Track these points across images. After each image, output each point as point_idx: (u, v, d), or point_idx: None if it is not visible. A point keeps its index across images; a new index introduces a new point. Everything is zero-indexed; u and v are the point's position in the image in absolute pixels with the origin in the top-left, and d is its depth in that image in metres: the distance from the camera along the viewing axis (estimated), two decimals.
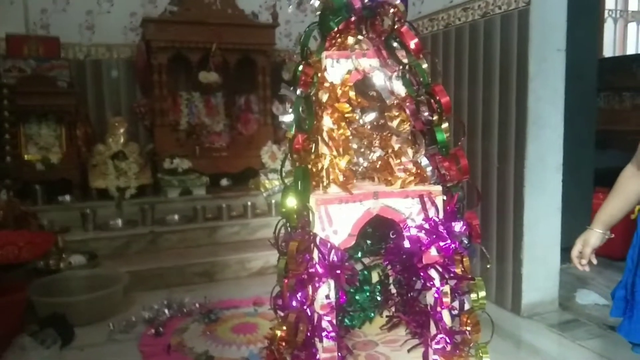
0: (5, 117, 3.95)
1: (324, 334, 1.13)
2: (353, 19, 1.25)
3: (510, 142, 2.92)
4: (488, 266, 2.99)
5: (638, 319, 1.44)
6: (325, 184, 1.19)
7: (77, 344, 2.71)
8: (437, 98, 1.21)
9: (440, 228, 1.18)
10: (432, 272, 1.19)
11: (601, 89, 4.49)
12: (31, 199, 3.96)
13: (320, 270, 1.12)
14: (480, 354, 1.23)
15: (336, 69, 1.21)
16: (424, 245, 1.18)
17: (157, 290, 3.40)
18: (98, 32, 4.72)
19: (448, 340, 1.19)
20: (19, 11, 4.46)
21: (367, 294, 1.45)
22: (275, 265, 1.33)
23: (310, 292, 1.14)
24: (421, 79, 1.23)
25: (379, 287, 1.47)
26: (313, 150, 1.25)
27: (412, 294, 1.38)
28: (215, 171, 4.58)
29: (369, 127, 1.32)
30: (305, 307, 1.15)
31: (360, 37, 1.26)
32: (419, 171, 1.24)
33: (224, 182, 4.68)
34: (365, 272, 1.47)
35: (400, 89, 1.23)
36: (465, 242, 1.24)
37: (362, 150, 1.34)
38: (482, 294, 1.23)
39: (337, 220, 1.15)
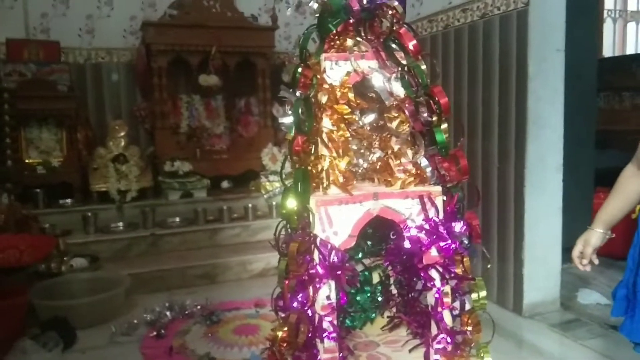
0: (5, 121, 3.97)
1: (325, 334, 1.13)
2: (352, 20, 1.25)
3: (511, 142, 2.92)
4: (489, 266, 2.99)
5: None
6: (325, 185, 1.19)
7: (79, 346, 2.71)
8: (436, 99, 1.21)
9: (441, 228, 1.19)
10: (433, 273, 1.20)
11: (601, 89, 4.49)
12: (32, 202, 3.97)
13: (320, 271, 1.12)
14: (482, 354, 1.23)
15: (335, 70, 1.22)
16: (424, 245, 1.18)
17: (159, 293, 3.40)
18: (98, 36, 4.74)
19: (449, 341, 1.19)
20: (19, 16, 4.47)
21: (368, 294, 1.46)
22: (276, 267, 1.34)
23: (311, 293, 1.15)
24: (420, 80, 1.23)
25: (379, 287, 1.48)
26: (313, 151, 1.25)
27: (412, 294, 1.38)
28: (215, 173, 4.59)
29: (368, 128, 1.32)
30: (306, 308, 1.15)
31: (359, 39, 1.27)
32: (418, 172, 1.24)
33: (225, 184, 4.69)
34: (366, 273, 1.47)
35: (399, 90, 1.23)
36: (466, 242, 1.24)
37: (362, 151, 1.34)
38: (483, 293, 1.23)
39: (337, 221, 1.15)
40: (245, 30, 4.61)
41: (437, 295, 1.19)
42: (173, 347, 2.68)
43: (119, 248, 3.84)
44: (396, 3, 1.22)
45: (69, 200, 4.10)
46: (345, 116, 1.19)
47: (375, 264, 1.48)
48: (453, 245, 1.18)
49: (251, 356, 2.56)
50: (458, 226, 1.21)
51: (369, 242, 1.46)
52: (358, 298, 1.45)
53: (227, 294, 3.45)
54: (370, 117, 1.30)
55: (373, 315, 1.48)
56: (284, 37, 5.22)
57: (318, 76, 1.22)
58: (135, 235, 3.94)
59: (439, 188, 1.23)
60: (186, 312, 3.09)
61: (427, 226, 1.19)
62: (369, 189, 1.23)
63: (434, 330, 1.22)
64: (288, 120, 1.31)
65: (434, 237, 1.18)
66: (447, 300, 1.20)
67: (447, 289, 1.20)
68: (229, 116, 4.85)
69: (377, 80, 1.23)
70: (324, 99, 1.20)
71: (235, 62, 4.63)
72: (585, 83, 3.71)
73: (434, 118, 1.23)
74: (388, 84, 1.22)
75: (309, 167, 1.21)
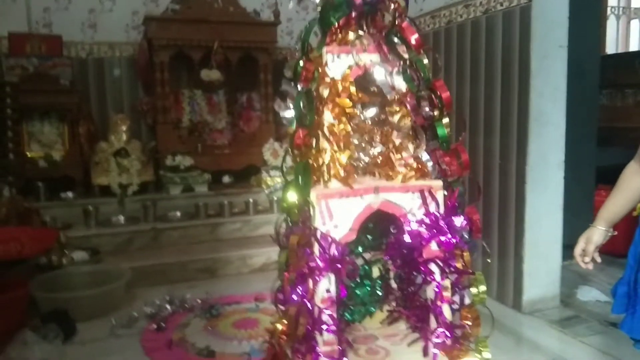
0: (8, 115, 3.96)
1: (324, 327, 1.13)
2: (354, 14, 1.25)
3: (512, 139, 2.92)
4: (489, 260, 2.99)
5: None
6: (326, 178, 1.19)
7: (79, 338, 2.72)
8: (438, 93, 1.21)
9: (441, 223, 1.19)
10: (433, 267, 1.20)
11: (603, 86, 4.47)
12: (34, 195, 3.97)
13: (320, 264, 1.13)
14: (480, 348, 1.24)
15: (337, 64, 1.22)
16: (424, 239, 1.19)
17: (159, 286, 3.41)
18: (100, 31, 4.73)
19: (448, 335, 1.20)
20: (21, 10, 4.47)
21: (368, 288, 1.46)
22: (276, 262, 1.34)
23: (311, 286, 1.15)
24: (422, 74, 1.23)
25: (379, 281, 1.48)
26: (314, 145, 1.25)
27: (412, 288, 1.38)
28: (217, 168, 4.59)
29: (369, 122, 1.32)
30: (305, 300, 1.15)
31: (361, 32, 1.27)
32: (419, 166, 1.24)
33: (226, 179, 4.69)
34: (366, 267, 1.48)
35: (401, 84, 1.23)
36: (466, 236, 1.24)
37: (363, 145, 1.34)
38: (483, 288, 1.24)
39: (337, 215, 1.16)
40: (247, 25, 4.60)
41: (436, 289, 1.20)
42: (173, 340, 2.69)
43: (120, 242, 3.85)
44: None
45: (70, 194, 4.10)
46: (347, 110, 1.19)
47: (376, 258, 1.49)
48: (453, 240, 1.18)
49: (251, 350, 2.57)
50: (458, 220, 1.21)
51: (369, 237, 1.46)
52: (358, 292, 1.45)
53: (227, 288, 3.46)
54: (371, 111, 1.30)
55: (372, 309, 1.48)
56: (286, 32, 5.20)
57: (320, 69, 1.22)
58: (136, 229, 3.95)
59: (440, 182, 1.23)
60: (186, 306, 3.10)
61: (427, 220, 1.19)
62: (370, 183, 1.23)
63: (433, 324, 1.22)
64: (290, 113, 1.31)
65: (435, 231, 1.18)
66: (447, 294, 1.20)
67: (447, 283, 1.20)
68: (230, 111, 4.85)
69: (379, 74, 1.23)
70: (325, 92, 1.20)
71: (237, 57, 4.63)
72: (588, 80, 3.69)
73: (436, 112, 1.23)
74: (390, 77, 1.22)
75: (310, 161, 1.21)
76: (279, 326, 1.23)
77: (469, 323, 1.22)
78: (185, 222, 4.11)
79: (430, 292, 1.23)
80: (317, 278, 1.13)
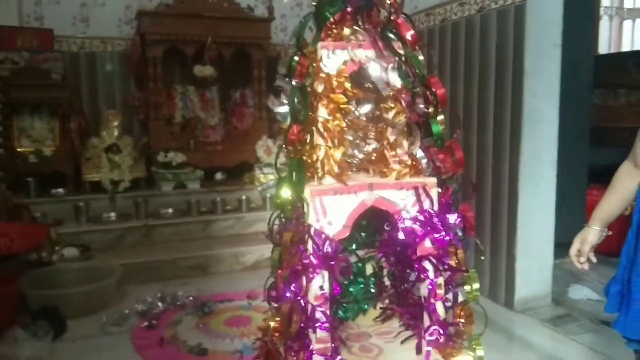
0: None
1: (317, 324, 1.12)
2: (349, 9, 1.24)
3: (506, 138, 2.92)
4: (482, 258, 3.00)
5: (634, 315, 1.44)
6: (320, 175, 1.18)
7: (69, 336, 2.70)
8: (433, 90, 1.21)
9: (435, 220, 1.18)
10: (426, 264, 1.19)
11: (596, 85, 4.49)
12: (24, 191, 3.93)
13: (314, 261, 1.12)
14: (474, 346, 1.24)
15: (332, 59, 1.21)
16: (418, 237, 1.18)
17: (151, 283, 3.38)
18: (92, 25, 4.69)
19: (441, 332, 1.19)
20: (12, 3, 4.42)
21: (361, 286, 1.45)
22: (269, 259, 1.33)
23: (304, 283, 1.14)
24: (417, 71, 1.23)
25: (372, 279, 1.47)
26: (308, 141, 1.24)
27: (406, 285, 1.38)
28: (209, 165, 4.56)
29: (364, 118, 1.31)
30: (299, 297, 1.14)
31: (356, 27, 1.26)
32: (414, 163, 1.24)
33: (219, 176, 4.67)
34: (360, 265, 1.47)
35: (396, 80, 1.22)
36: (460, 234, 1.24)
37: (357, 142, 1.33)
38: (476, 285, 1.23)
39: (331, 211, 1.15)
40: (241, 21, 4.58)
41: (430, 287, 1.19)
42: (164, 338, 2.68)
43: (111, 238, 3.82)
44: None
45: (61, 190, 4.07)
46: (341, 106, 1.18)
47: (369, 255, 1.48)
48: (447, 237, 1.18)
49: (243, 347, 2.55)
50: (452, 218, 1.21)
51: (362, 234, 1.46)
52: (351, 289, 1.45)
53: (219, 285, 3.44)
54: (366, 107, 1.29)
55: (366, 306, 1.48)
56: (280, 28, 5.19)
57: (314, 65, 1.21)
58: (128, 225, 3.92)
59: (434, 179, 1.23)
60: (178, 303, 3.08)
61: (421, 217, 1.18)
62: (364, 179, 1.23)
63: (426, 321, 1.22)
64: (284, 109, 1.30)
65: (428, 228, 1.18)
66: (440, 291, 1.20)
67: (441, 280, 1.20)
68: (223, 107, 4.83)
69: (374, 70, 1.22)
70: (320, 88, 1.19)
71: (230, 53, 4.60)
72: (581, 79, 3.71)
73: (431, 109, 1.22)
74: (385, 73, 1.22)
75: (304, 157, 1.20)
76: (272, 324, 1.22)
77: (462, 321, 1.22)
78: (177, 219, 4.09)
79: (423, 289, 1.22)
80: (310, 275, 1.12)
